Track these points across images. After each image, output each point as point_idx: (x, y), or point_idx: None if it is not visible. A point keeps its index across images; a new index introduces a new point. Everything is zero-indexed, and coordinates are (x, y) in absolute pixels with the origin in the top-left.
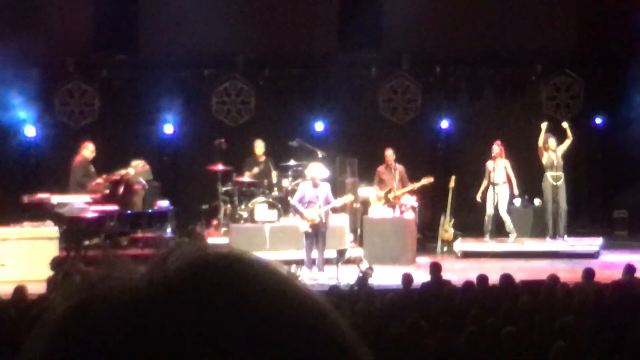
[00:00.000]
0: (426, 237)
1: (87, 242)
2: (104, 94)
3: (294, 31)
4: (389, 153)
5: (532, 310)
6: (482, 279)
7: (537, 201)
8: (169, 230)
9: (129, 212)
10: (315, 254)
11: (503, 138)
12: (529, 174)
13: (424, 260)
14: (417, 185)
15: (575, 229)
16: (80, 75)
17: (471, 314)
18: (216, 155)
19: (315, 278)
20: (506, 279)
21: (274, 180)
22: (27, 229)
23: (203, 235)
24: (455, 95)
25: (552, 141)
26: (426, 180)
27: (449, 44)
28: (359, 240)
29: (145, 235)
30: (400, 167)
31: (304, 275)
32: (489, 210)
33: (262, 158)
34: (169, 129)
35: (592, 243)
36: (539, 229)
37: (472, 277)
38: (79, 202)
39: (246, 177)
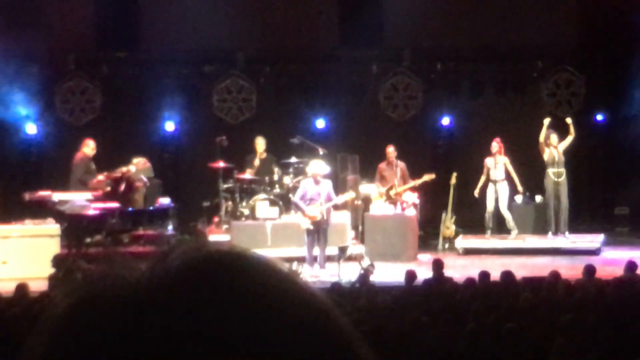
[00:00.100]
0: (427, 233)
1: (88, 240)
2: (105, 91)
3: (295, 28)
4: (391, 150)
5: (533, 306)
6: (484, 275)
7: (538, 198)
8: (170, 227)
9: (130, 209)
10: (316, 251)
11: (504, 134)
12: (530, 171)
13: (426, 257)
14: (418, 182)
15: (577, 225)
16: (81, 73)
17: (472, 311)
18: (217, 153)
19: (316, 275)
20: (506, 275)
21: (276, 177)
22: (29, 226)
23: (204, 233)
24: (456, 92)
25: (553, 137)
26: (427, 177)
27: (450, 41)
28: (361, 237)
29: (147, 232)
30: (401, 164)
31: (305, 272)
32: (489, 207)
33: (263, 155)
34: (170, 126)
35: (593, 240)
36: (540, 226)
37: (474, 273)
38: (81, 200)
39: (247, 175)
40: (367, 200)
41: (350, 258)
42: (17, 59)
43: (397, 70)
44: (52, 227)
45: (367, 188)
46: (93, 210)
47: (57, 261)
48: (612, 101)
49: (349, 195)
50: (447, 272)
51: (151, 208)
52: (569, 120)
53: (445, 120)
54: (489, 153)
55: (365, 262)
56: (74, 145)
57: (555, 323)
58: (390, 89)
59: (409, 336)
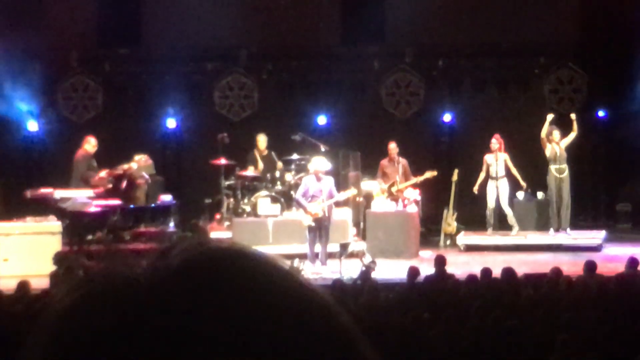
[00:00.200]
0: (429, 230)
1: (90, 237)
2: (107, 88)
3: (297, 25)
4: (392, 146)
5: (535, 303)
6: (486, 272)
7: (540, 194)
8: (172, 224)
9: (131, 206)
10: (318, 248)
11: (506, 131)
12: (532, 167)
13: (427, 253)
14: (420, 178)
15: (578, 222)
16: (83, 70)
17: (474, 308)
18: (219, 150)
19: (318, 272)
20: (507, 272)
21: (277, 174)
22: (30, 223)
23: (206, 230)
24: (458, 88)
25: (556, 133)
26: (429, 174)
27: (452, 38)
28: (362, 234)
29: (148, 229)
30: (403, 161)
31: (307, 269)
32: (490, 203)
33: (265, 152)
34: (171, 123)
35: (595, 236)
36: (542, 222)
37: (475, 270)
38: (82, 197)
39: (249, 172)
40: (368, 197)
41: (352, 255)
42: (19, 56)
43: (399, 67)
44: (53, 224)
45: (369, 185)
46: (94, 207)
47: (59, 258)
48: (613, 97)
49: (350, 192)
50: (449, 268)
51: (153, 205)
52: (573, 115)
53: (447, 117)
54: (489, 150)
55: (367, 259)
56: (75, 142)
57: (557, 319)
58: (392, 85)
59: (410, 333)
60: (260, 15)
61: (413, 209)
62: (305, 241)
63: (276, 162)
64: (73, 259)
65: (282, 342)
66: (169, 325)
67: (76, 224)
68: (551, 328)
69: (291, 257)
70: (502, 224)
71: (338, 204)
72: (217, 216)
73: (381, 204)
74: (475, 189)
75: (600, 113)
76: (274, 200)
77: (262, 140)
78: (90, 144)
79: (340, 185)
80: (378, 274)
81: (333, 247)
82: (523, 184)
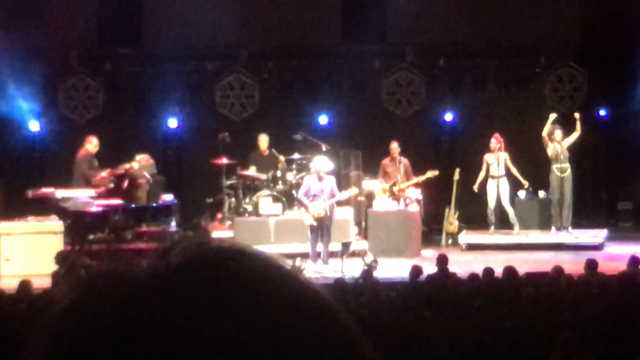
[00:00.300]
0: (431, 229)
1: (91, 236)
2: (108, 88)
3: (298, 24)
4: (394, 146)
5: (536, 302)
6: (488, 271)
7: (541, 193)
8: (173, 224)
9: (133, 206)
10: (320, 247)
11: (507, 130)
12: (533, 166)
13: (429, 252)
14: (421, 178)
15: (580, 220)
16: (84, 69)
17: (476, 306)
18: (220, 149)
19: (320, 271)
20: (508, 271)
21: (279, 173)
22: (32, 223)
23: (207, 229)
24: (459, 87)
25: (558, 133)
26: (431, 173)
27: (453, 36)
28: (364, 233)
29: (150, 229)
30: (404, 160)
31: (308, 268)
32: (491, 203)
33: (267, 152)
34: (173, 122)
35: (596, 235)
36: (544, 221)
37: (477, 269)
38: (84, 197)
39: (251, 171)
40: (370, 197)
41: (354, 254)
42: (19, 56)
43: (400, 66)
44: (55, 223)
45: (370, 184)
46: (96, 207)
47: (61, 258)
48: (615, 96)
49: (352, 191)
50: (451, 267)
51: (154, 205)
52: (577, 115)
53: (448, 116)
54: (489, 149)
55: (369, 258)
56: (76, 142)
57: (558, 318)
58: (393, 84)
59: (412, 332)
60: (261, 15)
61: (414, 208)
62: (307, 240)
63: (277, 157)
64: (75, 259)
65: (282, 342)
66: (169, 325)
67: (78, 224)
68: (552, 327)
69: (293, 256)
70: (503, 222)
71: (340, 204)
72: (219, 216)
73: (383, 203)
74: (475, 187)
75: (601, 112)
76: (276, 199)
77: (263, 140)
78: (91, 144)
79: (342, 184)
80: (379, 273)
81: (335, 246)
82: (525, 182)
